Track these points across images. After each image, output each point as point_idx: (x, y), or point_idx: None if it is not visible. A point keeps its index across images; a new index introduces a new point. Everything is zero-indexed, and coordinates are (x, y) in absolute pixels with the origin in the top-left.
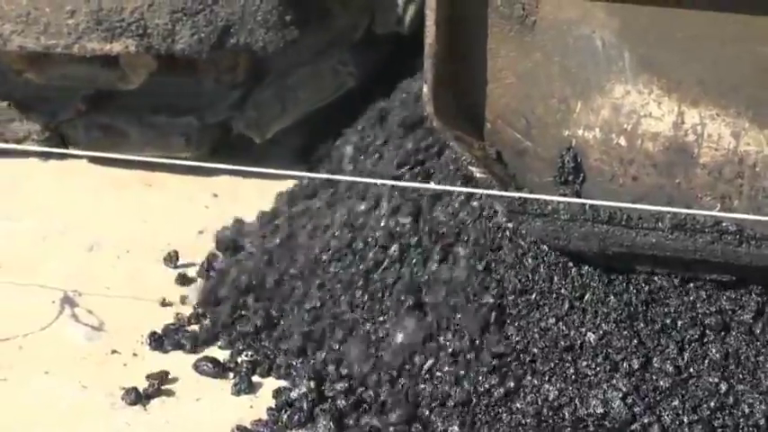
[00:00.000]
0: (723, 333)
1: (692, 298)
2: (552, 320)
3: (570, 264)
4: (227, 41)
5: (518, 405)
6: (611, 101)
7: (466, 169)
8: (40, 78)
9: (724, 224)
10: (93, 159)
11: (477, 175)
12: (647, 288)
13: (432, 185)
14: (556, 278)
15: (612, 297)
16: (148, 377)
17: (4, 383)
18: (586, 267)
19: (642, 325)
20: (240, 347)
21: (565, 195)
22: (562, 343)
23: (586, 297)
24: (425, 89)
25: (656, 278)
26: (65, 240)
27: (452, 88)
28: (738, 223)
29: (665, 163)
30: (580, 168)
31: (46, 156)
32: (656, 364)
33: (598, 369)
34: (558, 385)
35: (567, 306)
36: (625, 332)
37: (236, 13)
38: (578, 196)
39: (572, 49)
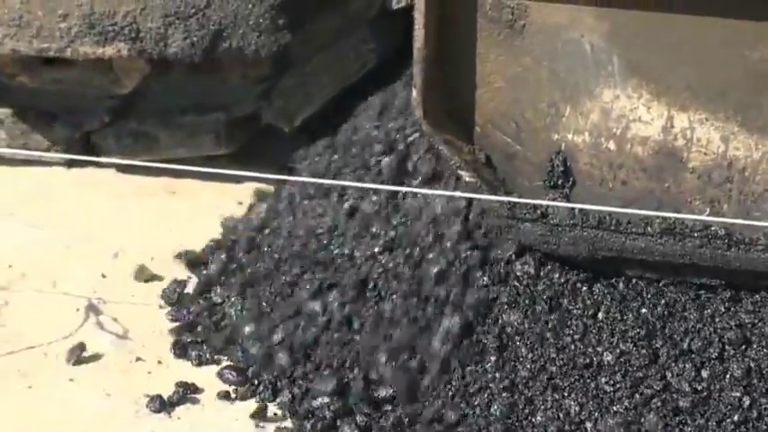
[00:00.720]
0: (744, 347)
1: (709, 311)
2: (568, 339)
3: (579, 284)
4: (219, 45)
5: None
6: (601, 105)
7: (455, 173)
8: (34, 82)
9: (713, 228)
10: (117, 167)
11: (467, 178)
12: (663, 301)
13: (422, 190)
14: (565, 299)
15: (630, 314)
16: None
17: (29, 391)
18: (597, 285)
19: (660, 343)
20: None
21: (554, 200)
22: (581, 360)
23: (600, 316)
24: (415, 93)
25: (670, 291)
26: (89, 248)
27: (442, 92)
28: (727, 227)
29: (655, 167)
30: (569, 172)
31: (69, 164)
32: (676, 384)
33: (618, 387)
34: (578, 400)
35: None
36: (643, 351)
37: (228, 17)
38: (568, 200)
39: (561, 53)
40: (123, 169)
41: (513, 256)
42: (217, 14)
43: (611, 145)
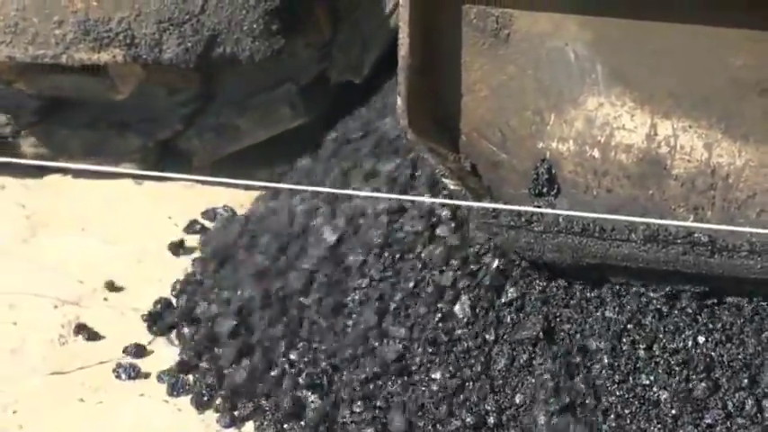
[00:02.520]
0: None
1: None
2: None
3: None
4: (213, 51)
5: None
6: (585, 113)
7: (440, 181)
8: (31, 89)
9: (696, 235)
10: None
11: (451, 187)
12: (719, 326)
13: (407, 197)
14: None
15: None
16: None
17: (100, 406)
18: (649, 318)
19: (720, 372)
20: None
21: (539, 207)
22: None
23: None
24: (399, 102)
25: (724, 315)
26: (160, 263)
27: (427, 101)
28: (710, 234)
29: (639, 175)
30: (554, 180)
31: (141, 178)
32: (739, 419)
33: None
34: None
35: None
36: (703, 384)
37: (222, 23)
38: (553, 208)
39: (545, 61)
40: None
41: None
42: (211, 20)
43: (596, 153)
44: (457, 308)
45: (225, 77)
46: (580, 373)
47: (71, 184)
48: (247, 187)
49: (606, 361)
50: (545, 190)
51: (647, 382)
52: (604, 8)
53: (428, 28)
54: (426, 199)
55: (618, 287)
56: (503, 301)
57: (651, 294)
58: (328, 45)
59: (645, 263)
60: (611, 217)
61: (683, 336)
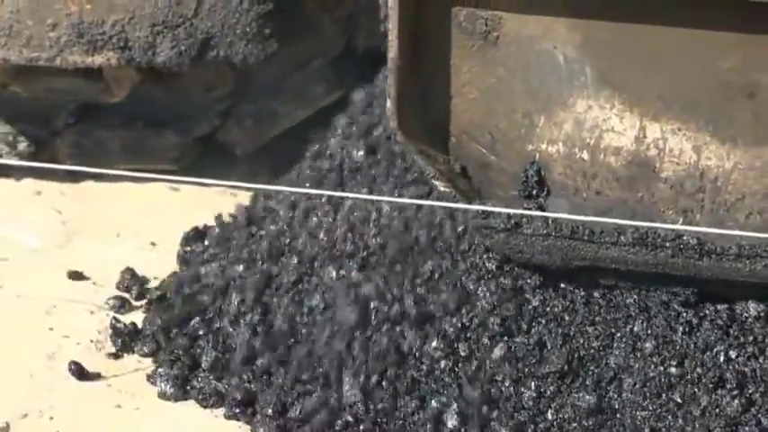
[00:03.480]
0: None
1: None
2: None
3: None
4: (207, 54)
5: None
6: (574, 115)
7: (430, 183)
8: (26, 91)
9: (685, 238)
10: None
11: (441, 188)
12: (750, 339)
13: (403, 200)
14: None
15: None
16: None
17: (137, 413)
18: (680, 333)
19: (753, 388)
20: None
21: (529, 209)
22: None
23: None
24: (389, 104)
25: (755, 327)
26: None
27: (417, 103)
28: (699, 237)
29: (628, 177)
30: (544, 182)
31: (176, 183)
32: None
33: None
34: None
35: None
36: (737, 401)
37: (215, 26)
38: (542, 210)
39: (534, 64)
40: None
41: None
42: (204, 24)
43: (585, 155)
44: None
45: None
46: (611, 392)
47: (107, 190)
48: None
49: (637, 379)
50: (534, 192)
51: (680, 400)
52: (593, 11)
53: (417, 30)
54: (424, 202)
55: (643, 301)
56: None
57: (678, 307)
58: (352, 15)
59: (634, 265)
60: (600, 219)
61: (715, 350)
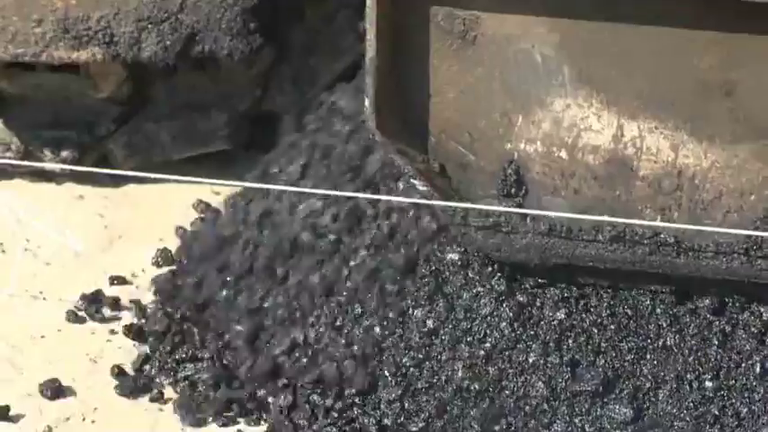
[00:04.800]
0: None
1: None
2: None
3: None
4: (192, 49)
5: None
6: (552, 114)
7: (408, 182)
8: (13, 88)
9: (662, 236)
10: None
11: (420, 188)
12: None
13: (384, 197)
14: None
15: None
16: None
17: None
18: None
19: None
20: None
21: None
22: None
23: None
24: (367, 103)
25: None
26: None
27: (395, 102)
28: (676, 235)
29: (606, 176)
30: (522, 181)
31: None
32: None
33: None
34: None
35: None
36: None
37: (200, 22)
38: (521, 209)
39: (512, 63)
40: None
41: None
42: (189, 19)
43: (563, 154)
44: None
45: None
46: (648, 408)
47: (149, 193)
48: None
49: (672, 394)
50: (513, 191)
51: (717, 412)
52: (571, 10)
53: (396, 30)
54: (408, 200)
55: (673, 309)
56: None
57: (710, 316)
58: None
59: (612, 263)
60: (579, 217)
61: (751, 362)
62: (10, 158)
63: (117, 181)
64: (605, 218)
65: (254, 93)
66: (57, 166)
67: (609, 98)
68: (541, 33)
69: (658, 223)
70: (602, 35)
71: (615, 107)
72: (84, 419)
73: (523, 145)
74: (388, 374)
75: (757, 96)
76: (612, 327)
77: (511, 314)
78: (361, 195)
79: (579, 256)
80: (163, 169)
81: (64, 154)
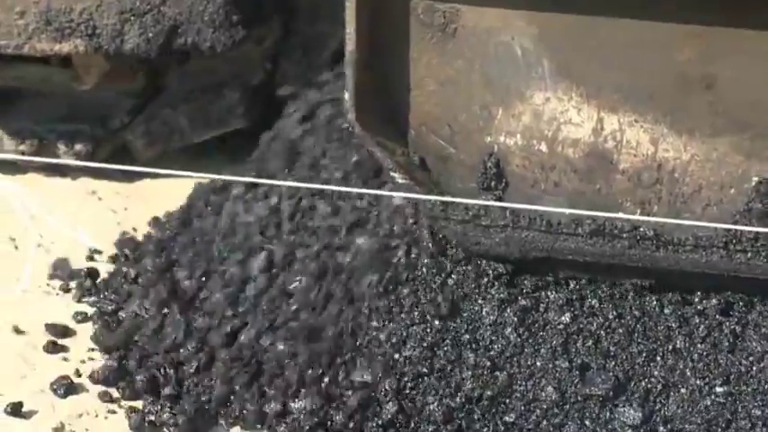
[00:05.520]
0: None
1: None
2: None
3: None
4: (174, 41)
5: None
6: (532, 107)
7: (388, 175)
8: None
9: (642, 229)
10: None
11: (399, 180)
12: None
13: (360, 189)
14: None
15: None
16: None
17: None
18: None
19: None
20: None
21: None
22: None
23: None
24: (347, 96)
25: None
26: None
27: (375, 95)
28: (656, 228)
29: (586, 169)
30: (502, 174)
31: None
32: None
33: None
34: None
35: None
36: None
37: (183, 14)
38: (501, 202)
39: (493, 56)
40: None
41: None
42: (172, 11)
43: (543, 147)
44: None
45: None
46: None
47: (162, 189)
48: None
49: (683, 397)
50: (493, 184)
51: (730, 416)
52: (550, 3)
53: (376, 23)
54: (390, 193)
55: (681, 310)
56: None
57: (719, 317)
58: None
59: (591, 257)
60: (559, 210)
61: (762, 364)
62: (23, 152)
63: (130, 177)
64: (585, 212)
65: (265, 66)
66: (69, 162)
67: (589, 91)
68: (521, 26)
69: (638, 217)
70: (582, 28)
71: (595, 100)
72: (96, 416)
73: (503, 138)
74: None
75: (737, 90)
76: (621, 330)
77: (515, 319)
78: (345, 189)
79: (559, 249)
80: (174, 165)
81: (78, 147)
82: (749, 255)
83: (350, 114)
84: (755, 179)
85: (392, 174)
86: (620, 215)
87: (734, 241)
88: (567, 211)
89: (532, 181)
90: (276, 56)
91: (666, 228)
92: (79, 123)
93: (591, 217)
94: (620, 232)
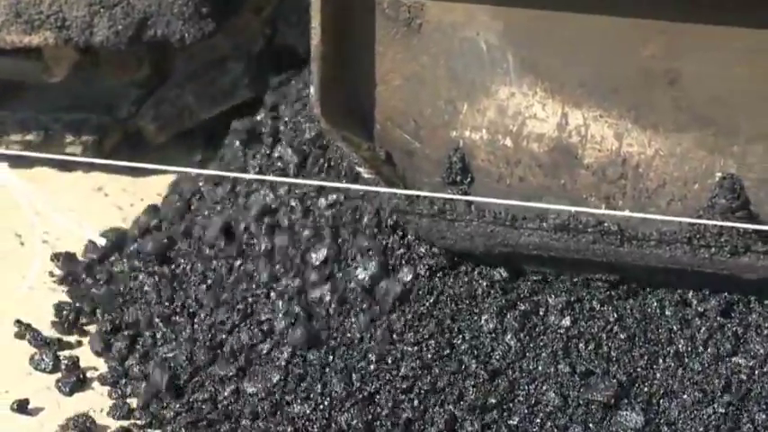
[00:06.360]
0: None
1: None
2: None
3: None
4: (144, 34)
5: None
6: (497, 102)
7: (353, 170)
8: None
9: (606, 224)
10: None
11: (365, 175)
12: None
13: (326, 183)
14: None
15: None
16: None
17: None
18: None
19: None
20: None
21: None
22: None
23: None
24: (312, 90)
25: None
26: None
27: (341, 90)
28: (620, 223)
29: (551, 164)
30: (468, 169)
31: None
32: None
33: None
34: None
35: None
36: None
37: (152, 6)
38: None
39: (458, 51)
40: None
41: None
42: (141, 3)
43: (508, 142)
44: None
45: None
46: (663, 415)
47: (167, 185)
48: None
49: (685, 401)
50: (458, 179)
51: (732, 424)
52: None
53: (341, 17)
54: (362, 187)
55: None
56: None
57: (721, 319)
58: None
59: (556, 251)
60: (526, 204)
61: (765, 368)
62: (30, 142)
63: (136, 173)
64: (549, 205)
65: (265, 33)
66: (76, 159)
67: (553, 86)
68: (486, 21)
69: (603, 211)
70: (546, 23)
71: (559, 95)
72: (102, 412)
73: (469, 133)
74: None
75: (701, 85)
76: (623, 335)
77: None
78: (317, 183)
79: (524, 244)
80: (182, 161)
81: (84, 137)
82: (713, 250)
83: (315, 109)
84: (719, 175)
85: (358, 169)
86: (586, 209)
87: (698, 236)
88: (533, 204)
89: (497, 176)
90: (274, 20)
91: (631, 223)
92: (86, 112)
93: (556, 211)
94: (585, 227)
